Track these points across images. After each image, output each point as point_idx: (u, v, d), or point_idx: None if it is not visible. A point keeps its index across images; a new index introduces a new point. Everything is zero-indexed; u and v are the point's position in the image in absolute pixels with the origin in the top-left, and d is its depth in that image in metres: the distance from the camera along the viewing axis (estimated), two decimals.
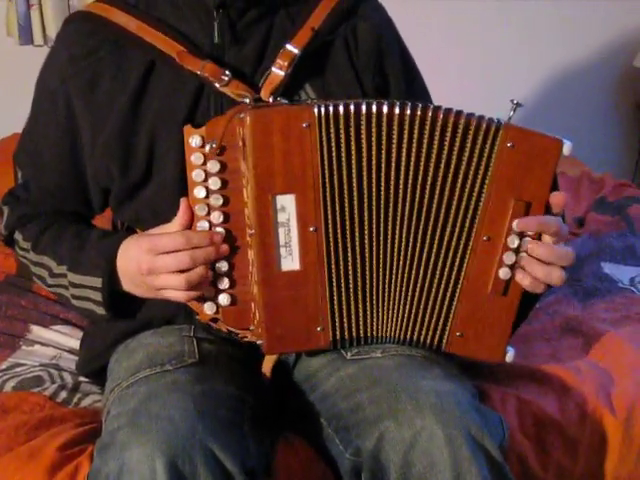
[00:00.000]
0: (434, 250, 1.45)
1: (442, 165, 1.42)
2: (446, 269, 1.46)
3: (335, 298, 1.46)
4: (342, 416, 1.46)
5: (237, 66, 1.55)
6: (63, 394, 1.78)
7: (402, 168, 1.42)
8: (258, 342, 1.47)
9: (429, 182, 1.42)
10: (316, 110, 1.39)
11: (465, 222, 1.44)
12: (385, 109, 1.40)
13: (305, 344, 1.49)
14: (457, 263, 1.46)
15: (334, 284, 1.45)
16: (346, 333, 1.49)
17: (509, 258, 1.44)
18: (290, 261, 1.43)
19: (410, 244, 1.45)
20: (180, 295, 1.44)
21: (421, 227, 1.44)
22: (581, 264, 2.42)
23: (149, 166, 1.56)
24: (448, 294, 1.47)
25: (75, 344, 1.95)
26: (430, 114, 1.40)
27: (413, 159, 1.41)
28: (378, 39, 1.63)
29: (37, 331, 2.05)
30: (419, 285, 1.47)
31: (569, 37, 3.93)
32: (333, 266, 1.44)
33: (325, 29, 1.58)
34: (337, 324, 1.48)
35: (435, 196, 1.43)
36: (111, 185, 1.60)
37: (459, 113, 1.41)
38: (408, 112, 1.40)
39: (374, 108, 1.39)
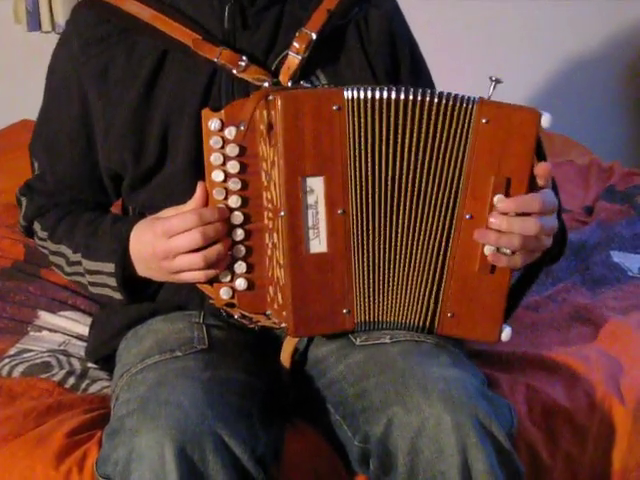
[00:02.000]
0: (427, 231, 1.46)
1: (434, 147, 1.43)
2: (434, 249, 1.46)
3: (361, 281, 1.46)
4: (350, 402, 1.46)
5: (249, 51, 1.55)
6: (71, 380, 1.78)
7: (412, 151, 1.43)
8: (282, 325, 1.47)
9: (426, 165, 1.43)
10: (346, 93, 1.39)
11: (449, 201, 1.44)
12: (394, 95, 1.41)
13: (331, 326, 1.49)
14: (443, 243, 1.46)
15: (360, 267, 1.45)
16: (370, 316, 1.49)
17: None
18: (318, 243, 1.43)
19: (411, 226, 1.46)
20: (198, 275, 1.44)
21: (419, 208, 1.45)
22: (590, 252, 2.41)
23: (162, 153, 1.56)
24: (437, 275, 1.47)
25: (83, 330, 1.95)
26: (427, 98, 1.41)
27: (414, 143, 1.42)
28: (389, 25, 1.64)
29: (45, 317, 2.05)
30: (423, 269, 1.47)
31: (578, 26, 3.92)
32: (359, 249, 1.45)
33: (340, 11, 1.58)
34: (363, 307, 1.48)
35: (428, 177, 1.44)
36: (124, 172, 1.60)
37: (435, 94, 1.42)
38: (411, 97, 1.41)
39: (386, 94, 1.40)
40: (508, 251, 1.43)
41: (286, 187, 1.39)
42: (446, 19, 3.73)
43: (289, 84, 1.52)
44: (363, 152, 1.41)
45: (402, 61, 1.65)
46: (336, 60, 1.60)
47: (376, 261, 1.46)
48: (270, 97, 1.39)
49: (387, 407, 1.39)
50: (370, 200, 1.43)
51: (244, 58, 1.52)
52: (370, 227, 1.44)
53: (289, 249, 1.42)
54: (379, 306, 1.49)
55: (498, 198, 1.41)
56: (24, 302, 2.10)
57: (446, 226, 1.45)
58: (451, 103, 1.41)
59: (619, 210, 2.73)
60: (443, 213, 1.45)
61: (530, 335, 1.94)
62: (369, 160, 1.42)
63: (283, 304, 1.45)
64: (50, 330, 2.00)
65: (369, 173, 1.42)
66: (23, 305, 2.09)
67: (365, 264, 1.46)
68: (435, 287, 1.48)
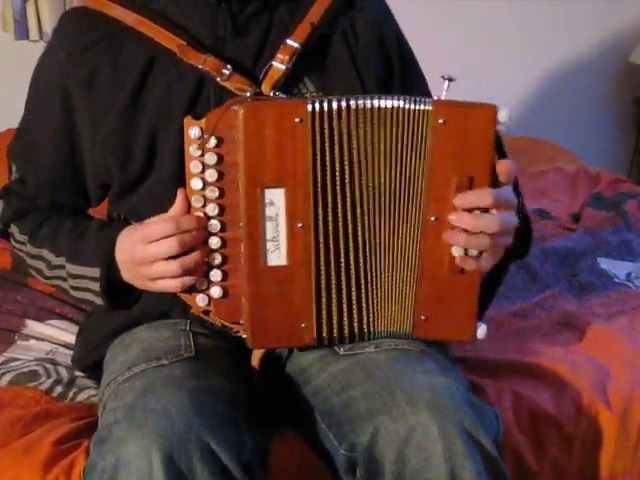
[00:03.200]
0: (396, 239, 1.45)
1: (392, 153, 1.41)
2: (406, 255, 1.46)
3: (321, 295, 1.46)
4: (335, 411, 1.46)
5: (238, 59, 1.55)
6: (59, 389, 1.78)
7: (370, 161, 1.42)
8: (244, 336, 1.48)
9: (384, 172, 1.42)
10: (310, 106, 1.38)
11: (414, 205, 1.44)
12: (368, 103, 1.40)
13: (289, 340, 1.49)
14: (412, 247, 1.45)
15: (321, 281, 1.45)
16: (333, 330, 1.48)
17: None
18: (277, 256, 1.43)
19: (381, 235, 1.45)
20: (175, 283, 1.44)
21: (387, 216, 1.44)
22: (577, 259, 2.42)
23: (149, 160, 1.56)
24: (409, 279, 1.47)
25: (71, 339, 1.95)
26: (381, 103, 1.40)
27: (371, 151, 1.41)
28: (378, 29, 1.63)
29: (32, 326, 2.05)
30: (387, 275, 1.47)
31: (565, 33, 3.93)
32: (321, 263, 1.44)
33: (324, 23, 1.58)
34: (323, 321, 1.47)
35: (390, 185, 1.43)
36: (111, 180, 1.60)
37: (394, 98, 1.40)
38: (361, 104, 1.40)
39: (355, 102, 1.39)
40: (475, 252, 1.43)
41: (245, 198, 1.39)
42: (438, 21, 3.74)
43: (271, 94, 1.52)
44: (328, 164, 1.40)
45: (392, 65, 1.64)
46: (323, 68, 1.59)
47: (341, 275, 1.46)
48: (234, 107, 1.39)
49: (373, 416, 1.38)
50: (335, 212, 1.43)
51: (228, 66, 1.52)
52: (334, 241, 1.44)
53: (247, 260, 1.42)
54: (343, 320, 1.48)
55: (457, 197, 1.41)
56: (11, 311, 2.10)
57: (414, 230, 1.45)
58: (407, 106, 1.40)
59: (606, 217, 2.74)
60: (411, 217, 1.44)
61: (517, 341, 1.95)
62: (335, 171, 1.41)
63: (245, 315, 1.46)
64: (37, 339, 2.00)
65: (334, 184, 1.42)
66: (10, 314, 2.09)
67: (327, 278, 1.45)
68: (408, 291, 1.48)
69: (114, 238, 1.51)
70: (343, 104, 1.39)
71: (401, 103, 1.40)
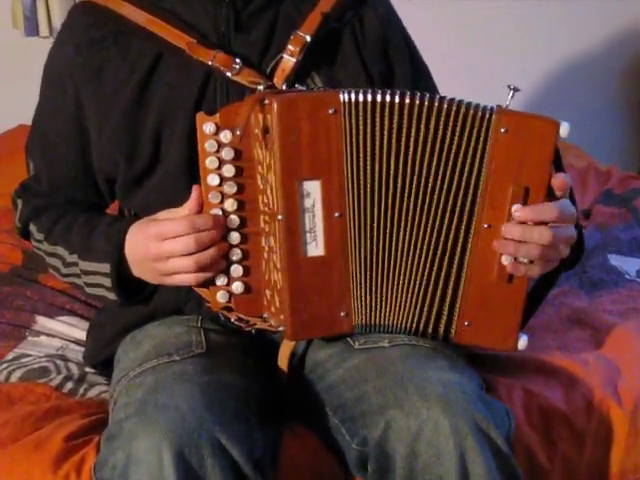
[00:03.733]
0: (440, 238, 1.45)
1: (444, 153, 1.42)
2: (452, 258, 1.46)
3: (358, 284, 1.46)
4: (348, 406, 1.46)
5: (243, 54, 1.56)
6: (69, 385, 1.78)
7: (417, 157, 1.42)
8: (280, 328, 1.47)
9: (433, 171, 1.42)
10: (342, 96, 1.39)
11: (464, 209, 1.44)
12: (397, 99, 1.40)
13: (329, 329, 1.49)
14: (460, 252, 1.45)
15: (357, 270, 1.45)
16: (368, 319, 1.48)
17: None
18: (315, 247, 1.43)
19: (419, 231, 1.45)
20: (189, 278, 1.44)
21: (425, 213, 1.44)
22: (588, 256, 2.41)
23: (155, 155, 1.56)
24: (452, 283, 1.47)
25: (81, 335, 1.95)
26: (436, 103, 1.41)
27: (420, 148, 1.41)
28: (384, 28, 1.64)
29: (43, 322, 2.05)
30: (426, 274, 1.47)
31: (574, 29, 3.92)
32: (357, 252, 1.44)
33: (334, 14, 1.58)
34: (360, 310, 1.47)
35: (435, 183, 1.43)
36: (117, 174, 1.60)
37: (455, 101, 1.41)
38: (417, 102, 1.40)
39: (388, 98, 1.39)
40: (526, 260, 1.43)
41: (283, 191, 1.39)
42: (442, 21, 3.73)
43: (283, 87, 1.51)
44: (361, 155, 1.41)
45: (397, 65, 1.65)
46: (331, 63, 1.60)
47: (374, 265, 1.46)
48: (266, 101, 1.39)
49: (385, 411, 1.38)
50: (369, 203, 1.43)
51: (238, 61, 1.52)
52: (368, 230, 1.44)
53: (286, 253, 1.41)
54: (378, 309, 1.48)
55: (516, 207, 1.41)
56: (22, 307, 2.11)
57: (462, 235, 1.45)
58: (463, 111, 1.40)
59: (617, 214, 2.73)
60: (459, 222, 1.44)
61: (528, 338, 1.94)
62: (368, 163, 1.41)
63: (280, 307, 1.45)
64: (48, 335, 2.00)
65: (368, 176, 1.42)
66: (21, 310, 2.09)
67: (363, 267, 1.45)
68: (450, 295, 1.47)
69: (124, 233, 1.51)
70: (370, 97, 1.39)
71: (457, 107, 1.40)
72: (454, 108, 1.41)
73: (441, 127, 1.41)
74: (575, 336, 1.96)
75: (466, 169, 1.42)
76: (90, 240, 1.57)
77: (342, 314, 1.47)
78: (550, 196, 1.43)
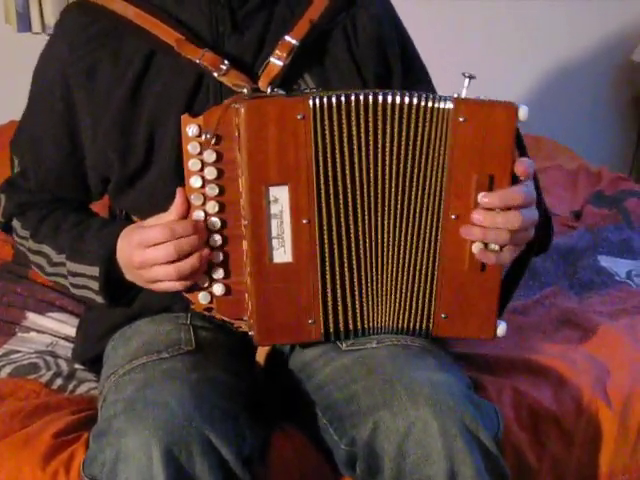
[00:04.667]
0: (414, 235, 1.45)
1: (410, 148, 1.42)
2: (424, 253, 1.46)
3: (327, 290, 1.46)
4: (336, 406, 1.46)
5: (237, 55, 1.55)
6: (59, 381, 1.78)
7: (387, 156, 1.42)
8: (250, 333, 1.48)
9: (406, 168, 1.42)
10: (311, 102, 1.38)
11: (434, 202, 1.44)
12: (370, 98, 1.40)
13: (296, 336, 1.49)
14: (431, 245, 1.45)
15: (326, 276, 1.45)
16: (340, 325, 1.48)
17: None
18: (282, 253, 1.43)
19: (396, 231, 1.45)
20: (173, 285, 1.44)
21: (404, 213, 1.44)
22: (578, 257, 2.42)
23: (148, 154, 1.56)
24: (428, 278, 1.47)
25: (71, 331, 1.95)
26: (396, 99, 1.40)
27: (393, 145, 1.41)
28: (378, 28, 1.63)
29: (33, 318, 2.05)
30: (405, 272, 1.47)
31: (567, 31, 3.92)
32: (326, 258, 1.44)
33: (324, 20, 1.58)
34: (329, 317, 1.47)
35: (410, 181, 1.43)
36: (111, 174, 1.60)
37: (414, 95, 1.41)
38: (380, 99, 1.40)
39: (362, 98, 1.39)
40: (496, 247, 1.43)
41: (250, 196, 1.39)
42: (438, 20, 3.73)
43: (268, 90, 1.51)
44: (330, 160, 1.40)
45: (393, 64, 1.64)
46: (323, 64, 1.59)
47: (350, 269, 1.46)
48: (235, 105, 1.39)
49: (374, 411, 1.39)
50: (341, 208, 1.43)
51: (226, 62, 1.52)
52: (341, 235, 1.44)
53: (252, 258, 1.42)
54: (356, 314, 1.48)
55: (482, 195, 1.41)
56: (12, 303, 2.11)
57: (433, 228, 1.45)
58: (419, 103, 1.40)
59: (607, 215, 2.74)
60: (429, 215, 1.44)
61: (517, 339, 1.95)
62: (337, 168, 1.41)
63: (250, 312, 1.45)
64: (38, 331, 2.00)
65: (338, 181, 1.42)
66: (11, 306, 2.09)
67: (335, 273, 1.45)
68: (428, 289, 1.48)
69: (115, 237, 1.51)
70: (344, 99, 1.39)
71: (415, 100, 1.40)
72: (414, 102, 1.40)
73: (405, 123, 1.41)
74: (565, 337, 1.97)
75: (431, 162, 1.42)
76: (80, 241, 1.57)
77: (310, 321, 1.47)
78: (515, 180, 1.42)
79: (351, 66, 1.60)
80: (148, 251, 1.42)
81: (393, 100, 1.40)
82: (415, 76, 1.68)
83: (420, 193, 1.44)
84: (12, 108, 2.19)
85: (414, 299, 1.48)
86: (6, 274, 2.25)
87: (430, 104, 1.40)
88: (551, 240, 1.64)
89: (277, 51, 1.54)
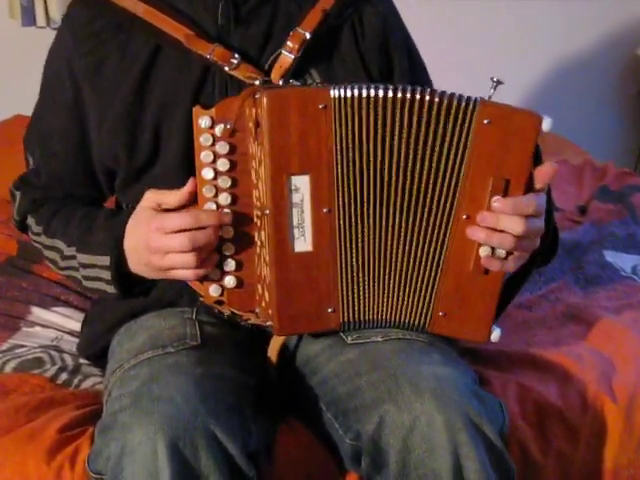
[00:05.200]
0: (422, 230, 1.45)
1: (428, 145, 1.41)
2: (431, 250, 1.46)
3: (346, 279, 1.46)
4: (341, 401, 1.46)
5: (242, 48, 1.55)
6: (64, 376, 1.78)
7: (402, 150, 1.41)
8: (267, 323, 1.47)
9: (417, 162, 1.42)
10: (332, 92, 1.38)
11: (446, 201, 1.43)
12: (390, 93, 1.39)
13: (316, 325, 1.49)
14: (439, 243, 1.45)
15: (346, 265, 1.45)
16: (356, 315, 1.48)
17: None
18: (303, 242, 1.42)
19: (403, 225, 1.45)
20: (187, 273, 1.44)
21: (412, 206, 1.44)
22: (583, 252, 2.42)
23: (155, 148, 1.56)
24: (432, 274, 1.47)
25: (76, 326, 1.95)
26: (426, 96, 1.40)
27: (407, 141, 1.41)
28: (383, 25, 1.64)
29: (38, 313, 2.05)
30: (410, 267, 1.47)
31: (572, 26, 3.92)
32: (345, 248, 1.44)
33: (335, 12, 1.58)
34: (348, 306, 1.47)
35: (421, 176, 1.43)
36: (117, 167, 1.60)
37: (436, 92, 1.40)
38: (408, 95, 1.39)
39: (381, 93, 1.39)
40: (503, 253, 1.43)
41: (271, 185, 1.39)
42: (440, 19, 3.72)
43: (280, 82, 1.51)
44: (350, 150, 1.40)
45: (396, 61, 1.64)
46: (330, 59, 1.60)
47: (364, 260, 1.46)
48: (257, 95, 1.38)
49: (379, 405, 1.39)
50: (358, 199, 1.43)
51: (236, 56, 1.52)
52: (358, 226, 1.44)
53: (274, 248, 1.41)
54: (368, 305, 1.48)
55: (495, 198, 1.41)
56: (17, 298, 2.10)
57: (442, 226, 1.44)
58: (447, 102, 1.40)
59: (612, 210, 2.74)
60: (440, 213, 1.44)
61: (523, 334, 1.95)
62: (357, 158, 1.41)
63: (269, 302, 1.45)
64: (42, 326, 2.00)
65: (357, 172, 1.42)
66: (16, 301, 2.09)
67: (352, 263, 1.45)
68: (430, 286, 1.48)
69: (123, 226, 1.50)
70: (365, 92, 1.39)
71: (437, 98, 1.39)
72: (438, 100, 1.40)
73: (424, 119, 1.40)
74: (570, 332, 1.97)
75: (450, 160, 1.42)
76: (89, 233, 1.57)
77: (329, 310, 1.47)
78: (529, 188, 1.43)
79: (357, 62, 1.61)
80: (166, 237, 1.41)
81: (421, 96, 1.39)
82: (416, 76, 1.68)
83: (433, 190, 1.43)
84: (17, 102, 2.20)
85: (415, 294, 1.48)
86: (11, 269, 2.24)
87: (453, 103, 1.40)
88: (555, 254, 1.64)
89: (288, 43, 1.54)
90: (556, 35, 3.91)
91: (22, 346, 1.89)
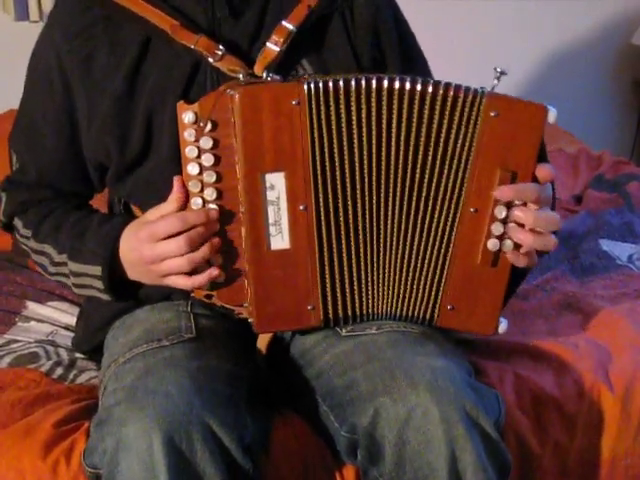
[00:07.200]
0: (425, 224, 1.45)
1: (432, 138, 1.41)
2: (436, 243, 1.45)
3: (326, 276, 1.45)
4: (337, 393, 1.46)
5: (234, 40, 1.54)
6: (59, 370, 1.78)
7: (392, 143, 1.41)
8: (249, 320, 1.47)
9: (419, 156, 1.41)
10: (306, 87, 1.37)
11: (453, 194, 1.43)
12: (374, 83, 1.38)
13: (296, 323, 1.49)
14: (446, 236, 1.45)
15: (325, 262, 1.45)
16: (339, 311, 1.48)
17: (497, 229, 1.42)
18: (280, 240, 1.42)
19: (402, 219, 1.44)
20: (184, 282, 1.43)
21: (412, 201, 1.43)
22: (579, 241, 2.42)
23: (146, 142, 1.55)
24: (438, 268, 1.47)
25: (71, 320, 1.95)
26: (419, 87, 1.39)
27: (403, 133, 1.40)
28: (375, 13, 1.62)
29: (33, 307, 2.05)
30: (412, 260, 1.46)
31: (567, 15, 3.92)
32: (324, 244, 1.44)
33: (322, 6, 1.57)
34: (329, 302, 1.47)
35: (424, 169, 1.42)
36: (108, 161, 1.59)
37: (441, 84, 1.39)
38: (397, 85, 1.39)
39: (363, 83, 1.38)
40: (510, 245, 1.43)
41: (245, 183, 1.39)
42: (435, 10, 3.72)
43: (264, 75, 1.50)
44: (327, 146, 1.39)
45: (389, 50, 1.63)
46: (321, 49, 1.58)
47: (345, 256, 1.45)
48: (230, 91, 1.38)
49: (374, 397, 1.38)
50: (338, 195, 1.42)
51: (221, 47, 1.51)
52: (337, 222, 1.43)
53: (250, 246, 1.42)
54: (359, 300, 1.48)
55: (498, 190, 1.40)
56: (12, 292, 2.11)
57: (449, 220, 1.44)
58: (452, 94, 1.39)
59: (608, 199, 2.74)
60: (446, 207, 1.43)
61: (519, 323, 1.94)
62: (335, 154, 1.40)
63: (250, 299, 1.45)
64: (38, 320, 2.00)
65: (336, 167, 1.41)
66: (11, 295, 2.09)
67: (332, 260, 1.45)
68: (437, 279, 1.47)
69: (116, 235, 1.50)
70: (341, 84, 1.38)
71: (441, 90, 1.39)
72: (440, 91, 1.39)
73: (427, 112, 1.39)
74: (566, 321, 1.97)
75: (456, 154, 1.41)
76: (81, 241, 1.56)
77: (309, 307, 1.46)
78: (534, 181, 1.42)
79: (348, 51, 1.59)
80: (158, 245, 1.41)
81: (405, 86, 1.38)
82: (413, 65, 1.66)
83: (437, 185, 1.43)
84: (10, 97, 2.19)
85: (420, 287, 1.48)
86: (6, 263, 2.25)
87: (458, 95, 1.39)
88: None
89: (274, 36, 1.52)
90: (550, 24, 3.91)
91: (17, 341, 1.89)
